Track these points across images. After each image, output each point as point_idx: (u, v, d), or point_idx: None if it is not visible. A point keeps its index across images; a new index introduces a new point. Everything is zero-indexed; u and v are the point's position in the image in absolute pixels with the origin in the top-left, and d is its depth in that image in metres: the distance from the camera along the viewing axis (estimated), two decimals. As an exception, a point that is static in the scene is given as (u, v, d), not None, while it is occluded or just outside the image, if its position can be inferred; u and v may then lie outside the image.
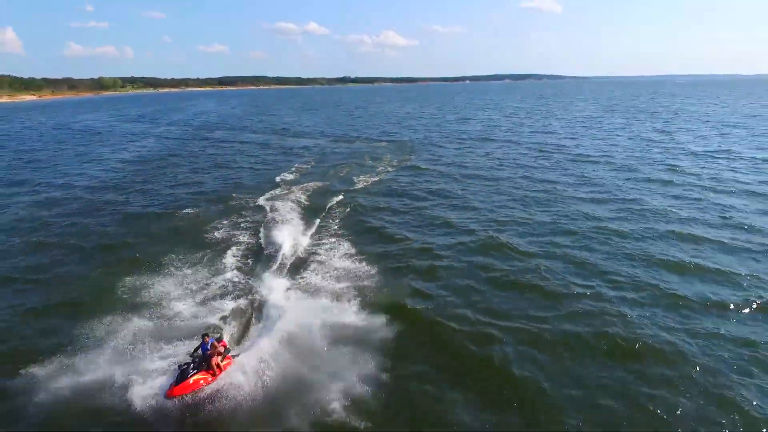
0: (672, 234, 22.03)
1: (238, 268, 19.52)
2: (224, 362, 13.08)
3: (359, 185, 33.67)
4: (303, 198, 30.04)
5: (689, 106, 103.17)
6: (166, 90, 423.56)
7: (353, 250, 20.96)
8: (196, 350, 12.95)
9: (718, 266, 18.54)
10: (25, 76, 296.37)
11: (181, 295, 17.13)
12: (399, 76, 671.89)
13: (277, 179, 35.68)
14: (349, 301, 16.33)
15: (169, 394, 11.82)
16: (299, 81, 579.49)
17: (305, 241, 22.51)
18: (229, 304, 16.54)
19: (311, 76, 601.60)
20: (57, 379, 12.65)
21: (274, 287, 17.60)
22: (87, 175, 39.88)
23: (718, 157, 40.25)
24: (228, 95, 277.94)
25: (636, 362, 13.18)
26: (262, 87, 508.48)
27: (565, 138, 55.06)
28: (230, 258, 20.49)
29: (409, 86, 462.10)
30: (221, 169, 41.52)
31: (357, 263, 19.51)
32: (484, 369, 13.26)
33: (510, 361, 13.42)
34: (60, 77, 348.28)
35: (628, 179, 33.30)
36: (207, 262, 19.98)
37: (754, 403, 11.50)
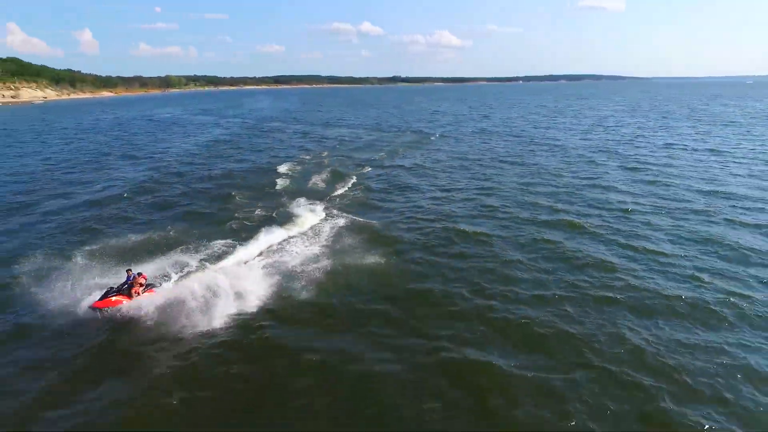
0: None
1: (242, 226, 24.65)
2: (145, 292, 16.15)
3: (370, 164, 44.17)
4: (325, 174, 38.61)
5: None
6: (225, 88, 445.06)
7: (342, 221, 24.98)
8: (123, 284, 16.08)
9: None
10: (101, 74, 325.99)
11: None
12: (451, 76, 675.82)
13: (306, 157, 46.67)
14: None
15: (93, 305, 15.26)
16: (351, 80, 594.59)
17: (312, 209, 27.03)
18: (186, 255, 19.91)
19: (363, 76, 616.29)
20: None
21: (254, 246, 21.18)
22: (177, 151, 52.84)
23: None
24: (283, 93, 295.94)
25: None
26: (315, 86, 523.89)
27: (554, 132, 63.20)
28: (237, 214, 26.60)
29: (458, 86, 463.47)
30: (269, 150, 53.16)
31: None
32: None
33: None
34: (131, 75, 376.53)
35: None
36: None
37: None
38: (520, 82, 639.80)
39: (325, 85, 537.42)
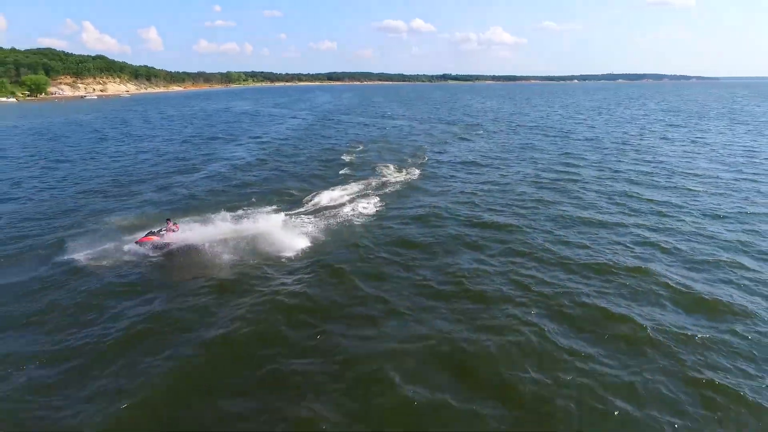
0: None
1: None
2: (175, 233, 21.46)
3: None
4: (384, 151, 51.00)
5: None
6: (281, 84, 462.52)
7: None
8: (160, 229, 21.40)
9: None
10: (168, 69, 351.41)
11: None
12: (503, 74, 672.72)
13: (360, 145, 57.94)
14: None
15: (137, 241, 20.71)
16: (402, 78, 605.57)
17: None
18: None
19: (414, 73, 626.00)
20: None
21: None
22: (262, 139, 65.64)
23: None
24: (339, 89, 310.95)
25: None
26: (366, 83, 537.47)
27: (560, 126, 70.95)
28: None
29: (509, 85, 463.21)
30: (334, 135, 64.82)
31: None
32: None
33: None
34: (194, 71, 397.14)
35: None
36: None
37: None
38: (576, 81, 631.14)
39: (376, 82, 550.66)
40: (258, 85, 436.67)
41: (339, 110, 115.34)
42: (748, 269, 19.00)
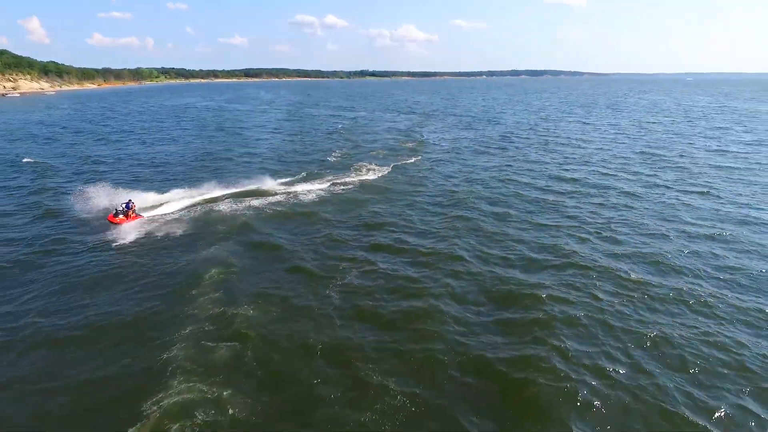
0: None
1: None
2: (133, 216, 26.49)
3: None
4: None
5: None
6: (197, 81, 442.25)
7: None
8: (122, 206, 26.61)
9: None
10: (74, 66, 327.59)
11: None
12: (417, 70, 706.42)
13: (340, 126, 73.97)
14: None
15: (108, 219, 25.85)
16: (319, 74, 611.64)
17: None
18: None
19: (330, 69, 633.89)
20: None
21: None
22: (267, 128, 78.41)
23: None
24: (270, 86, 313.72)
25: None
26: (284, 79, 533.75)
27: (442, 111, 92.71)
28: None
29: (426, 81, 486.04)
30: (320, 126, 79.79)
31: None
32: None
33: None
34: (100, 67, 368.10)
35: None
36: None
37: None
38: (484, 77, 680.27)
39: (294, 78, 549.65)
40: (172, 82, 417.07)
41: (297, 104, 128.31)
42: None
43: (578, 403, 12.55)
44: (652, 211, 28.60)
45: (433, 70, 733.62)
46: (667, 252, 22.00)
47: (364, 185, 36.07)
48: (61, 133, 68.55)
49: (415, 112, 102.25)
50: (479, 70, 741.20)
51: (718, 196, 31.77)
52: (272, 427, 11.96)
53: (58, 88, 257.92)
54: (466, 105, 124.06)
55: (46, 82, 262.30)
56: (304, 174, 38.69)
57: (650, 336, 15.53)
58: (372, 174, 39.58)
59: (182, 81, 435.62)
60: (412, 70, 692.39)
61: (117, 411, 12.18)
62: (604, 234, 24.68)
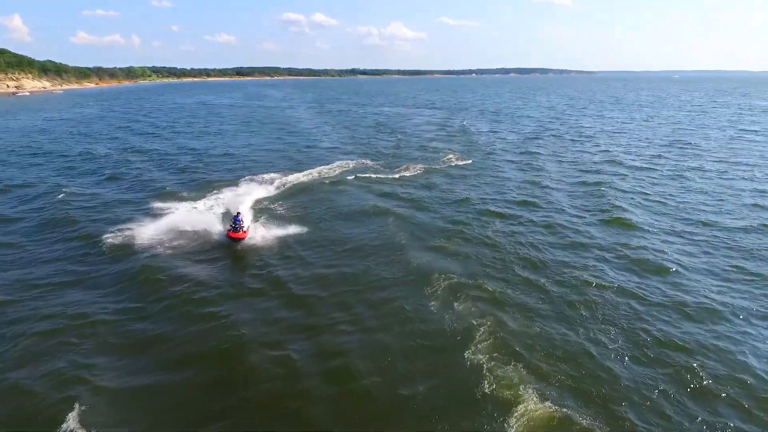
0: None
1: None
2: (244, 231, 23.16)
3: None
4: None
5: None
6: (189, 80, 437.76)
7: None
8: (233, 220, 23.45)
9: None
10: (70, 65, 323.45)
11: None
12: (407, 68, 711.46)
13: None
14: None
15: (230, 236, 22.60)
16: (311, 72, 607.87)
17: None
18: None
19: (321, 68, 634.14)
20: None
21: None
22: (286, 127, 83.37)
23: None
24: (267, 84, 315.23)
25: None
26: (276, 77, 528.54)
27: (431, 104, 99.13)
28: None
29: (417, 79, 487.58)
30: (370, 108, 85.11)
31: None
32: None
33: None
34: (92, 66, 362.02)
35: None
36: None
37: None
38: (474, 75, 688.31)
39: (287, 77, 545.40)
40: (165, 81, 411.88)
41: (317, 101, 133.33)
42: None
43: None
44: None
45: (423, 69, 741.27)
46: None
47: (458, 168, 41.69)
48: (145, 129, 71.25)
49: (436, 107, 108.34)
50: (469, 68, 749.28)
51: None
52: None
53: (59, 87, 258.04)
54: (476, 102, 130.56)
55: (47, 81, 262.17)
56: (393, 161, 44.17)
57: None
58: (461, 161, 44.73)
59: (175, 80, 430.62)
60: (402, 69, 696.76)
61: None
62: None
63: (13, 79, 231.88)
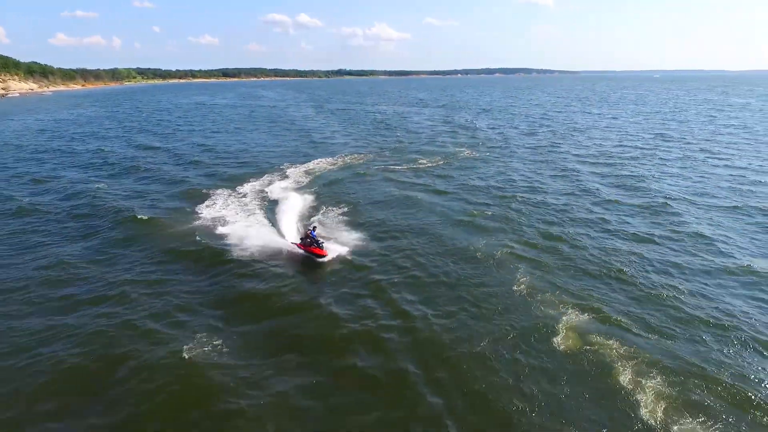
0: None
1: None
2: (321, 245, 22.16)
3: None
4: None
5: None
6: (175, 81, 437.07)
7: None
8: (307, 234, 22.81)
9: None
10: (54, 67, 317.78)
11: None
12: (392, 69, 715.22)
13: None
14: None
15: (313, 251, 21.88)
16: (297, 73, 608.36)
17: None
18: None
19: (306, 69, 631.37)
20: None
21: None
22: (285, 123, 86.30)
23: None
24: (256, 85, 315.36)
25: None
26: (263, 78, 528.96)
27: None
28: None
29: (405, 80, 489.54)
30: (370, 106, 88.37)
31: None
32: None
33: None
34: (75, 67, 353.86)
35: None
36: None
37: None
38: (459, 75, 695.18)
39: (273, 78, 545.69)
40: (150, 82, 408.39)
41: (313, 102, 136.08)
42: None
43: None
44: None
45: (408, 69, 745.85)
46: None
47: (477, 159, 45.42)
48: (164, 130, 72.17)
49: (431, 105, 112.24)
50: (454, 68, 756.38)
51: None
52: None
53: (47, 89, 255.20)
54: (469, 100, 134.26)
55: (34, 82, 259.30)
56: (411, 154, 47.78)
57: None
58: (476, 153, 48.34)
59: (160, 81, 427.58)
60: (388, 69, 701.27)
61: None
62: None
63: (1, 81, 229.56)
